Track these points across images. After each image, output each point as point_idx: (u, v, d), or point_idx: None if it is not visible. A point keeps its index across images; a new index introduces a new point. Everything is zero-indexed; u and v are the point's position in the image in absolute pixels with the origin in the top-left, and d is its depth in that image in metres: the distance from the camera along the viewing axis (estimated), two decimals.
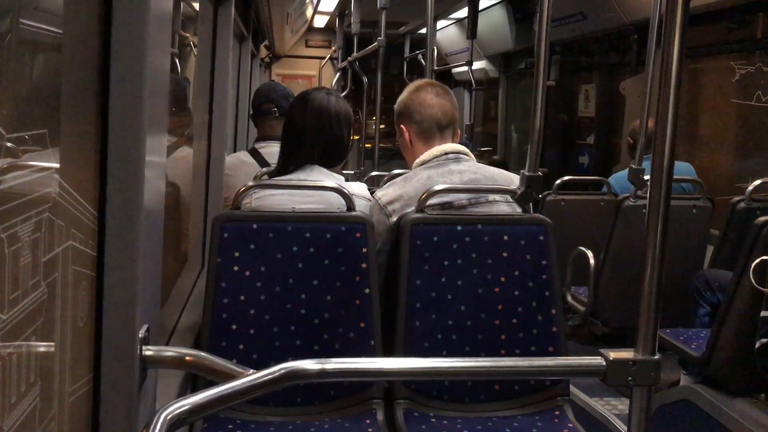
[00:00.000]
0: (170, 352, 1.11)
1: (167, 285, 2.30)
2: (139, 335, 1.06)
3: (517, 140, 8.32)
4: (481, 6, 6.16)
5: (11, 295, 0.71)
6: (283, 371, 1.03)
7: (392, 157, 8.95)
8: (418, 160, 2.12)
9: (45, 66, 0.87)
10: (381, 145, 4.92)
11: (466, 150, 2.14)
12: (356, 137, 8.60)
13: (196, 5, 2.66)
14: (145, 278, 1.10)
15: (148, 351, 1.08)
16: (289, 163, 2.14)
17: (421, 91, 2.16)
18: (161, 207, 1.29)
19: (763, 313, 2.27)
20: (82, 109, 0.98)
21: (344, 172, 3.09)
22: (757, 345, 2.29)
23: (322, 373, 1.05)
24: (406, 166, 2.26)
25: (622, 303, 3.46)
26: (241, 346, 1.82)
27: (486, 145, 8.80)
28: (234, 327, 1.82)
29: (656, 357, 1.13)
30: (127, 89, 1.03)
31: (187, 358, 1.10)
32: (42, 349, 0.85)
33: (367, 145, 6.94)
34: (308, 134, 2.12)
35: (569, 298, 3.74)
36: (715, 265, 3.39)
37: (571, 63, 6.85)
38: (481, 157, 7.35)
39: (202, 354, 1.11)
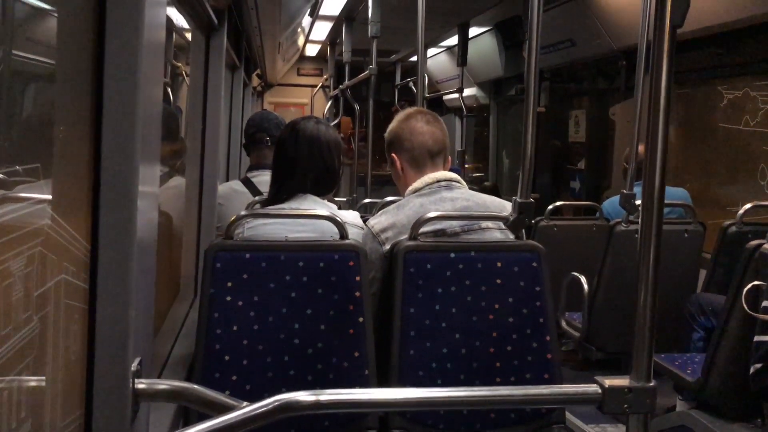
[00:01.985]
0: (163, 385, 1.10)
1: (160, 315, 2.28)
2: (132, 368, 1.05)
3: (508, 166, 8.36)
4: (470, 34, 6.23)
5: (3, 331, 0.71)
6: (276, 403, 1.02)
7: (385, 183, 8.98)
8: (410, 188, 2.12)
9: (38, 97, 0.87)
10: (373, 172, 4.94)
11: (458, 177, 2.15)
12: (349, 162, 8.64)
13: (189, 35, 2.68)
14: (137, 310, 1.09)
15: (141, 384, 1.06)
16: (281, 192, 2.14)
17: (411, 119, 2.17)
18: (154, 238, 1.29)
19: (756, 338, 2.28)
20: (75, 140, 0.98)
21: (336, 199, 3.09)
22: (752, 370, 2.29)
23: (317, 404, 1.04)
24: (399, 192, 2.27)
25: (617, 328, 3.46)
26: (234, 377, 1.80)
27: (478, 170, 8.85)
28: (227, 358, 1.80)
29: (652, 384, 1.13)
30: (119, 120, 1.03)
31: (180, 391, 1.09)
32: (33, 384, 0.84)
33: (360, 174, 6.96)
34: (300, 163, 2.13)
35: (563, 324, 3.74)
36: (708, 289, 3.40)
37: (561, 89, 6.91)
38: (473, 183, 7.40)
39: (195, 387, 1.10)
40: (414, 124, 2.15)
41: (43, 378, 0.87)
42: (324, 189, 2.17)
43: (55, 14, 0.89)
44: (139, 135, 1.05)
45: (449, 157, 2.20)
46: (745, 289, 2.26)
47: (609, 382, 1.12)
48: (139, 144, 1.05)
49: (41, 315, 0.82)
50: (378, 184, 8.19)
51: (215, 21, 2.58)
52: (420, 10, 3.39)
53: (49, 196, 0.86)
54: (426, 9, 3.44)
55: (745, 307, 2.24)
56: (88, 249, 1.00)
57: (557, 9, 5.19)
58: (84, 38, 0.99)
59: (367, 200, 3.89)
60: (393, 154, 2.18)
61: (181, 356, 2.08)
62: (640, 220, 1.20)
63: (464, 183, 2.16)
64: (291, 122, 2.27)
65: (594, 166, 6.23)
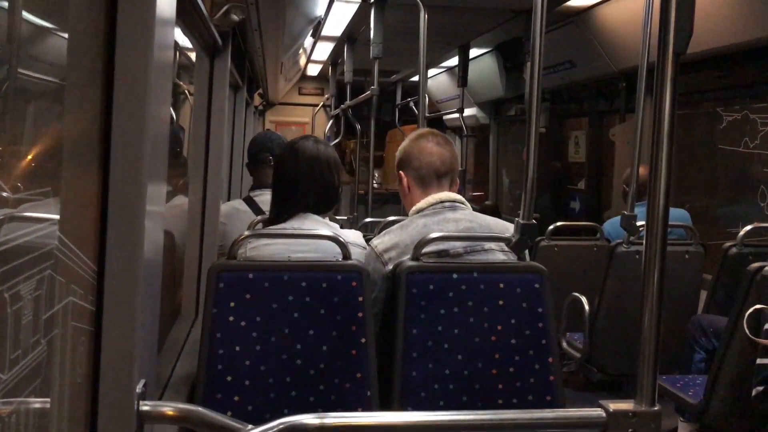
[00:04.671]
0: (167, 407, 1.09)
1: (161, 335, 2.28)
2: (137, 390, 1.05)
3: (508, 185, 8.38)
4: (471, 55, 6.27)
5: (12, 355, 0.71)
6: (281, 426, 1.02)
7: (385, 202, 8.99)
8: (414, 208, 2.14)
9: (46, 117, 0.88)
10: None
11: (462, 198, 2.16)
12: (348, 182, 8.65)
13: (192, 55, 2.70)
14: (143, 331, 1.09)
15: (145, 406, 1.06)
16: (282, 211, 2.15)
17: (421, 139, 2.20)
18: (160, 258, 1.29)
19: (759, 360, 2.27)
20: (84, 161, 0.98)
21: (337, 218, 3.09)
22: (754, 392, 2.28)
23: (322, 427, 1.04)
24: (399, 211, 2.28)
25: (618, 349, 3.45)
26: (236, 398, 1.79)
27: (478, 190, 8.86)
28: (229, 378, 1.80)
29: (657, 408, 1.12)
30: (128, 139, 1.04)
31: (185, 413, 1.09)
32: (38, 407, 0.84)
33: (360, 192, 6.97)
34: (301, 183, 2.14)
35: (564, 345, 3.71)
36: (709, 311, 3.40)
37: (561, 110, 6.95)
38: (473, 202, 7.40)
39: (200, 409, 1.10)
40: (424, 144, 2.18)
41: (48, 400, 0.87)
42: (324, 207, 2.19)
43: (65, 34, 0.90)
44: (147, 155, 1.05)
45: (457, 180, 2.22)
46: (747, 313, 2.26)
47: (613, 406, 1.12)
48: (147, 164, 1.06)
49: (49, 338, 0.82)
50: (378, 203, 8.21)
51: (220, 43, 2.60)
52: (422, 31, 3.43)
53: (58, 220, 0.87)
54: (427, 31, 3.48)
55: (747, 332, 2.24)
56: (95, 271, 1.00)
57: (557, 31, 5.24)
58: (94, 58, 1.00)
59: (368, 219, 3.89)
60: (401, 172, 2.21)
61: (184, 376, 2.08)
62: (644, 244, 1.20)
63: (468, 204, 2.17)
64: (290, 142, 2.29)
65: (594, 186, 6.24)
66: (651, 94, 1.16)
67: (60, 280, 0.85)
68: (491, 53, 6.94)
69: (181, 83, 2.98)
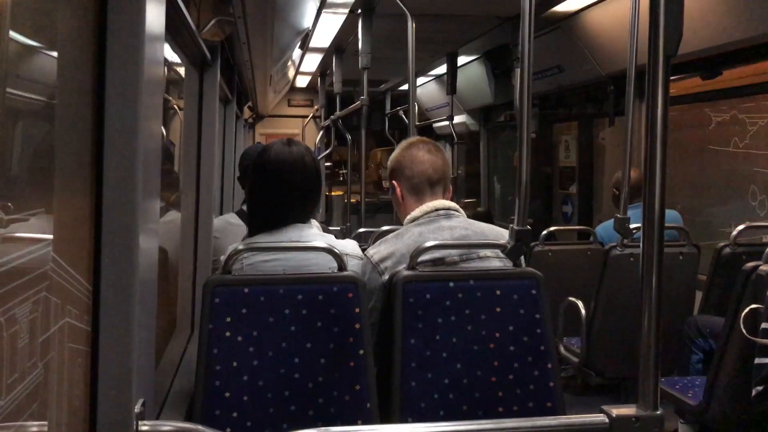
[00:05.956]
0: (167, 426, 1.08)
1: (157, 352, 2.26)
2: (135, 410, 1.03)
3: (500, 191, 8.39)
4: (459, 62, 6.29)
5: (9, 380, 0.70)
6: None
7: (377, 211, 8.98)
8: (409, 217, 2.13)
9: (38, 136, 0.87)
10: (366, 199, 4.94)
11: (456, 206, 2.16)
12: (341, 192, 8.63)
13: (181, 70, 2.70)
14: (140, 350, 1.08)
15: (144, 426, 1.05)
16: (264, 223, 2.05)
17: (412, 148, 2.20)
18: (155, 275, 1.28)
19: (757, 360, 2.27)
20: (76, 179, 0.97)
21: (330, 228, 3.08)
22: (754, 392, 2.28)
23: None
24: (393, 220, 2.28)
25: (616, 352, 3.44)
26: (235, 414, 1.78)
27: (470, 196, 8.87)
28: (227, 394, 1.78)
29: (659, 412, 1.12)
30: (121, 157, 1.03)
31: None
32: (36, 431, 0.83)
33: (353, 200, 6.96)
34: (278, 190, 2.03)
35: (562, 350, 3.72)
36: (705, 311, 3.40)
37: (550, 115, 6.97)
38: (465, 209, 7.39)
39: (199, 427, 1.09)
40: (415, 152, 2.18)
41: (46, 424, 0.86)
42: (308, 210, 2.08)
43: (55, 53, 0.90)
44: (140, 171, 1.05)
45: (450, 187, 2.22)
46: (743, 313, 2.26)
47: (616, 411, 1.11)
48: (140, 180, 1.05)
49: (45, 361, 0.81)
50: (371, 212, 8.19)
51: (209, 57, 2.60)
52: (410, 40, 3.43)
53: (52, 241, 0.86)
54: (415, 39, 3.49)
55: (744, 331, 2.24)
56: (90, 291, 0.99)
57: (544, 37, 5.26)
58: (84, 76, 0.99)
59: (362, 229, 3.88)
60: (394, 181, 2.21)
61: (181, 393, 2.06)
62: (641, 247, 1.20)
63: (462, 212, 2.17)
64: (257, 153, 2.15)
65: (586, 189, 6.26)
66: (640, 96, 1.16)
67: (55, 302, 0.84)
68: (479, 60, 6.96)
69: (171, 98, 2.97)
